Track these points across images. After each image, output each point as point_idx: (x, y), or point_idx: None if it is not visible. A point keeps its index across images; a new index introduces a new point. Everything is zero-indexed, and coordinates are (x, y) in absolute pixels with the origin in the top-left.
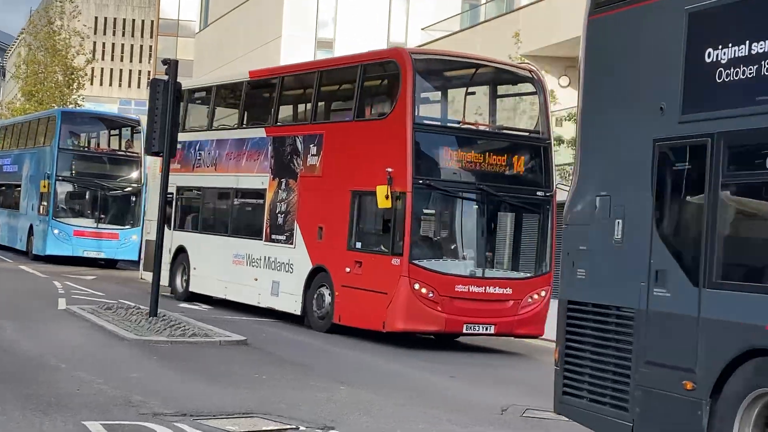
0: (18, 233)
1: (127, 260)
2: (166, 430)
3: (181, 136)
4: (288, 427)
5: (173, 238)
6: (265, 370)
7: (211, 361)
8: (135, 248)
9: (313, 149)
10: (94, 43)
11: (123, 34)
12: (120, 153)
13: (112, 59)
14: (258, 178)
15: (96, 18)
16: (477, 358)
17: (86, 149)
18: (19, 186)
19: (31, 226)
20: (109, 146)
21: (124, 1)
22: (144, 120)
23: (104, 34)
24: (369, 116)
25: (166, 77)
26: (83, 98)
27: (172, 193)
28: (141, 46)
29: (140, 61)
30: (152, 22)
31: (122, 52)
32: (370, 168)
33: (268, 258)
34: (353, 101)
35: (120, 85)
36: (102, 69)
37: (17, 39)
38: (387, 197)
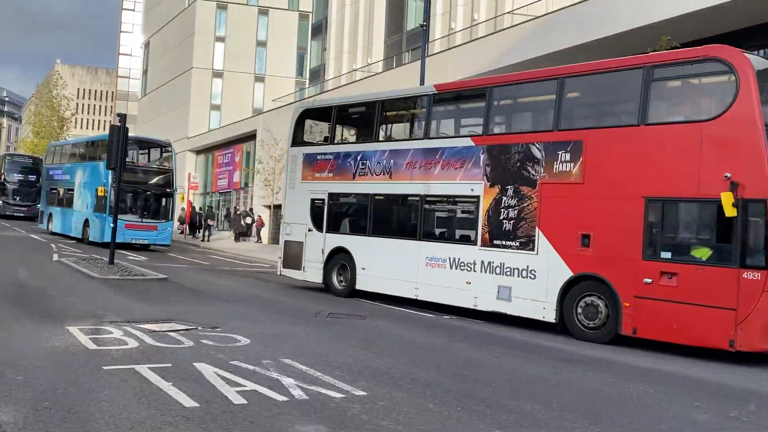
0: (72, 224)
1: (162, 245)
2: (117, 330)
3: (331, 148)
4: (191, 327)
5: (326, 240)
6: (177, 295)
7: (144, 290)
8: (168, 236)
9: (565, 156)
10: (77, 103)
11: (95, 98)
12: (156, 166)
13: (88, 113)
14: (465, 185)
15: (78, 88)
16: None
17: (132, 164)
18: (72, 190)
19: (86, 220)
20: (148, 161)
21: (96, 80)
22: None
23: (83, 98)
24: (673, 119)
25: (119, 124)
26: (70, 137)
27: (322, 199)
28: (105, 106)
29: (105, 114)
30: (113, 92)
31: (94, 109)
32: (681, 173)
33: (489, 263)
34: (637, 104)
35: (92, 129)
36: (82, 119)
37: (28, 100)
38: (734, 205)
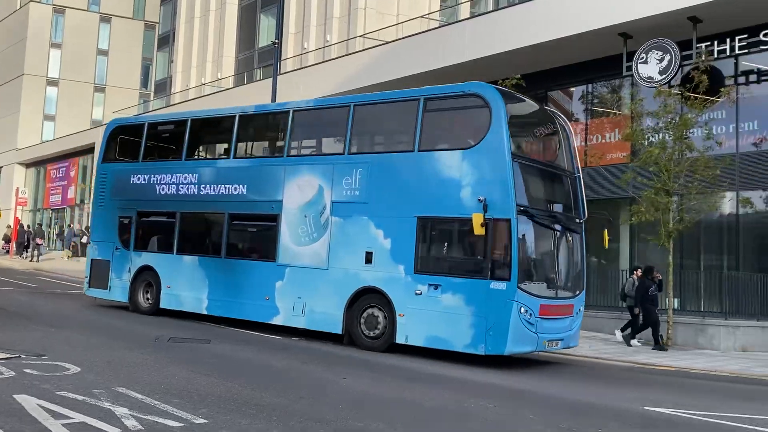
0: (287, 300)
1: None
2: None
3: None
4: (13, 355)
5: None
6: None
7: None
8: (579, 323)
9: None
10: None
11: None
12: (560, 167)
13: None
14: None
15: None
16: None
17: (533, 159)
18: (250, 220)
19: (361, 292)
20: (547, 155)
21: None
22: None
23: None
24: None
25: None
26: None
27: None
28: None
29: None
30: None
31: None
32: None
33: None
34: None
35: None
36: None
37: None
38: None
